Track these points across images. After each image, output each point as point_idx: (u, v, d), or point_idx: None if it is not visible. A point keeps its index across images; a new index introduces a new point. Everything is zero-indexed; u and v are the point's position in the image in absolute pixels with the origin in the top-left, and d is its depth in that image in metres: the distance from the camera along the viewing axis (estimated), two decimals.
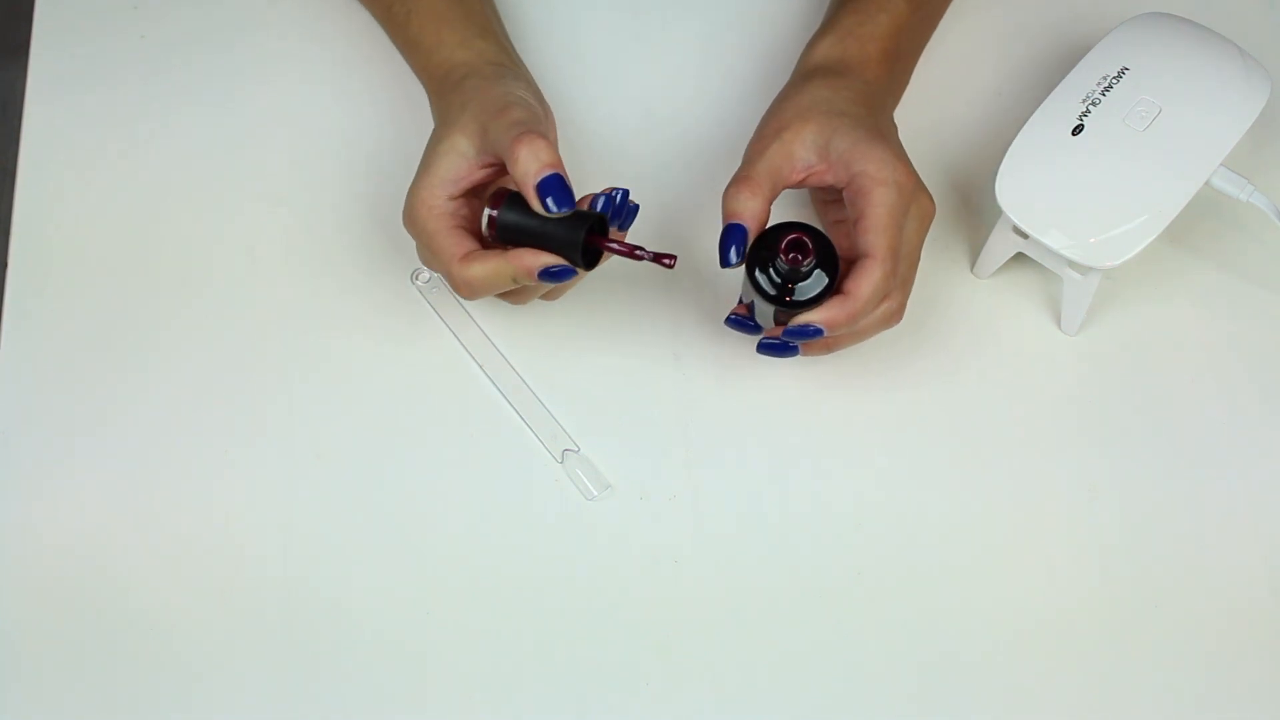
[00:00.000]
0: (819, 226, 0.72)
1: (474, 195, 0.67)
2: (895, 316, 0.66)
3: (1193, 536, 0.68)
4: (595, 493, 0.69)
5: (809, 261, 0.63)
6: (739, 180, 0.66)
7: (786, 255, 0.63)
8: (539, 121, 0.65)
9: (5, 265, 0.74)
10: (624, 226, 0.66)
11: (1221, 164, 0.69)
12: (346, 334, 0.73)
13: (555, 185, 0.62)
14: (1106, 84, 0.70)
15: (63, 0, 0.82)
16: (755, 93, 0.77)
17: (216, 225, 0.76)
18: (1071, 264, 0.69)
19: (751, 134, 0.69)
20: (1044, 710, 0.65)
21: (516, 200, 0.64)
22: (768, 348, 0.67)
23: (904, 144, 0.69)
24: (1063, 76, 0.71)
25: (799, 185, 0.67)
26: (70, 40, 0.81)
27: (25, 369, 0.72)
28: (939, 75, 0.78)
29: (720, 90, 0.79)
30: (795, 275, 0.64)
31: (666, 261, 0.64)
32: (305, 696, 0.65)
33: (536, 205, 0.62)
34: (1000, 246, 0.72)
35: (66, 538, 0.68)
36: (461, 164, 0.66)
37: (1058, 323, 0.73)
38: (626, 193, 0.65)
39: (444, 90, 0.70)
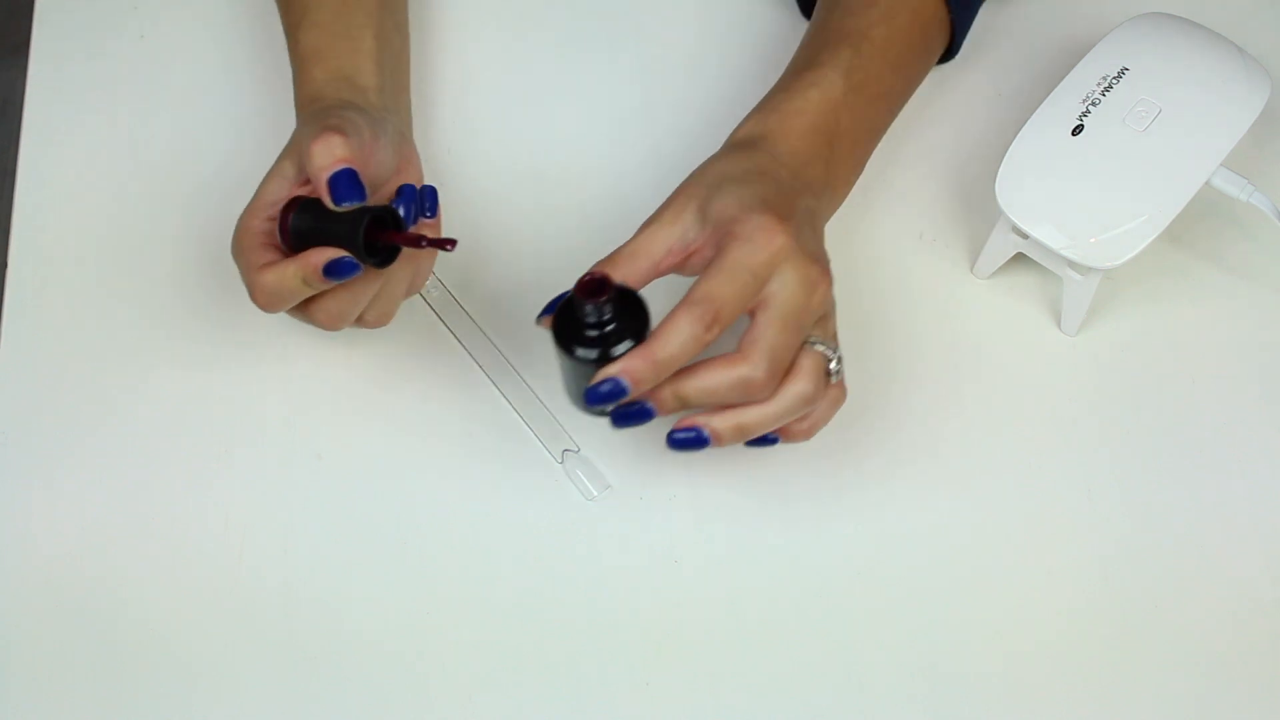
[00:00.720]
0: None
1: None
2: (813, 399, 0.61)
3: (1193, 537, 0.68)
4: (595, 493, 0.69)
5: (596, 305, 0.58)
6: (601, 263, 0.62)
7: (582, 295, 0.57)
8: (355, 131, 0.63)
9: (5, 265, 0.74)
10: (431, 215, 0.65)
11: (1221, 164, 0.69)
12: (346, 333, 0.72)
13: (345, 179, 0.61)
14: (1106, 84, 0.70)
15: (63, 0, 0.82)
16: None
17: (217, 225, 0.75)
18: (1071, 264, 0.69)
19: None
20: (1043, 711, 0.64)
21: (310, 206, 0.63)
22: (678, 443, 0.61)
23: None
24: (1063, 76, 0.71)
25: (682, 268, 0.62)
26: (70, 40, 0.81)
27: (25, 369, 0.72)
28: (939, 75, 0.79)
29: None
30: (598, 322, 0.58)
31: (448, 248, 0.62)
32: (305, 696, 0.65)
33: (329, 201, 0.61)
34: (1000, 246, 0.72)
35: (65, 538, 0.68)
36: (282, 186, 0.65)
37: (1058, 323, 0.73)
38: (412, 187, 0.65)
39: (299, 122, 0.69)
